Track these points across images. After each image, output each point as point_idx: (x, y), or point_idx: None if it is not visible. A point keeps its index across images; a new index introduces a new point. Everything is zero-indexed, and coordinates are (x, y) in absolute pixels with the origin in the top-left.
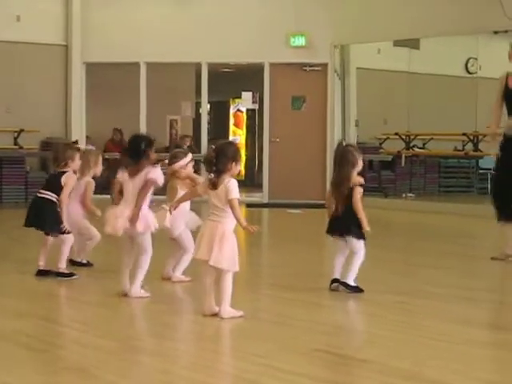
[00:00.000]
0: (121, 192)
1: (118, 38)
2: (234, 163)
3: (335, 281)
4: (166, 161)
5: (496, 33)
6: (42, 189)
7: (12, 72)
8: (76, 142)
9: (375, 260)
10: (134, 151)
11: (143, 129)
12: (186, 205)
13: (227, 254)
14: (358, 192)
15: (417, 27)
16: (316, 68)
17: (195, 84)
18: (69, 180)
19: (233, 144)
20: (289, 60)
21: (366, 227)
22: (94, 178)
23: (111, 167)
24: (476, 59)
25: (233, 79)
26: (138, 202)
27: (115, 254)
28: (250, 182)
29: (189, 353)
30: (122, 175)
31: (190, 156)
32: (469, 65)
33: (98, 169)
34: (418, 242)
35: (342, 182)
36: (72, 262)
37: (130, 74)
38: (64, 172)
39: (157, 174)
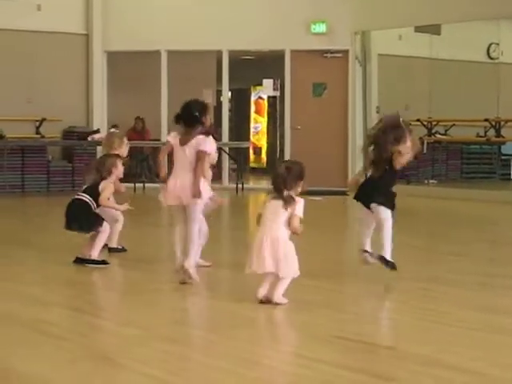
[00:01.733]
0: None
1: (139, 27)
2: (301, 182)
3: (365, 251)
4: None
5: None
6: (82, 192)
7: (33, 62)
8: (98, 131)
9: (398, 246)
10: (186, 117)
11: (164, 117)
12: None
13: (292, 264)
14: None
15: (438, 13)
16: (337, 55)
17: (216, 72)
18: (107, 187)
19: (301, 164)
20: (310, 47)
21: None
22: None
23: (133, 156)
24: (498, 44)
25: (254, 66)
26: (196, 178)
27: (152, 246)
28: (271, 169)
29: (211, 340)
30: (174, 139)
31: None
32: (490, 50)
33: (123, 150)
34: (441, 229)
35: (381, 153)
36: (109, 249)
37: (151, 63)
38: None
39: (209, 145)
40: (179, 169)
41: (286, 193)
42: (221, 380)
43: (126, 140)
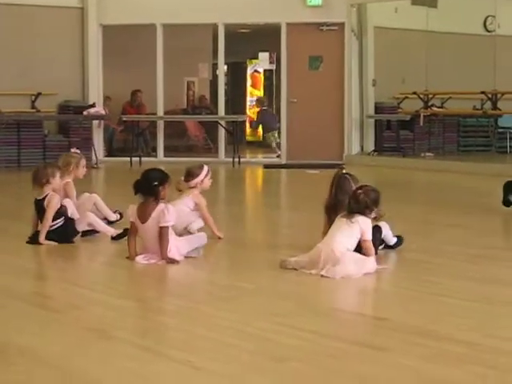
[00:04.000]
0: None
1: (134, 0)
2: (372, 209)
3: None
4: (182, 178)
5: None
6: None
7: (28, 35)
8: (93, 105)
9: (394, 220)
10: (145, 187)
11: (160, 91)
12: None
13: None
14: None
15: None
16: (333, 27)
17: (212, 45)
18: (53, 201)
19: (378, 192)
20: (306, 20)
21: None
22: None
23: (128, 129)
24: (494, 17)
25: (250, 40)
26: (163, 253)
27: None
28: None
29: (208, 313)
30: (133, 216)
31: (205, 169)
32: (487, 23)
33: (80, 172)
34: (437, 202)
35: (337, 208)
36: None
37: (146, 36)
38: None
39: (169, 219)
40: (150, 245)
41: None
42: (218, 352)
43: (83, 162)
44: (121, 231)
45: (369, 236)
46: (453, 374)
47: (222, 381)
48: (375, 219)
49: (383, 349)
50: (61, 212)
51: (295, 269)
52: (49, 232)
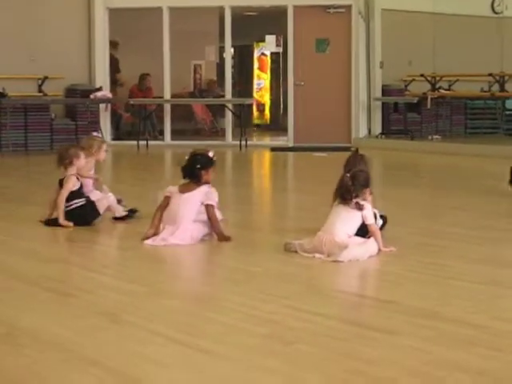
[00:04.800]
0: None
1: None
2: (367, 190)
3: None
4: None
5: None
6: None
7: (34, 19)
8: (100, 88)
9: (402, 202)
10: (188, 171)
11: (167, 74)
12: None
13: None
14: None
15: None
16: (340, 10)
17: (219, 28)
18: (69, 182)
19: (365, 172)
20: (312, 2)
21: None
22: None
23: (136, 112)
24: None
25: (256, 23)
26: (217, 231)
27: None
28: (275, 125)
29: (215, 296)
30: (170, 191)
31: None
32: (495, 4)
33: (101, 155)
34: (445, 184)
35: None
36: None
37: (153, 20)
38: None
39: (213, 198)
40: (177, 219)
41: (354, 200)
42: (226, 335)
43: (104, 146)
44: (125, 213)
45: (371, 219)
46: (460, 356)
47: (230, 364)
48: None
49: (389, 331)
50: (80, 193)
51: (297, 252)
52: (67, 213)
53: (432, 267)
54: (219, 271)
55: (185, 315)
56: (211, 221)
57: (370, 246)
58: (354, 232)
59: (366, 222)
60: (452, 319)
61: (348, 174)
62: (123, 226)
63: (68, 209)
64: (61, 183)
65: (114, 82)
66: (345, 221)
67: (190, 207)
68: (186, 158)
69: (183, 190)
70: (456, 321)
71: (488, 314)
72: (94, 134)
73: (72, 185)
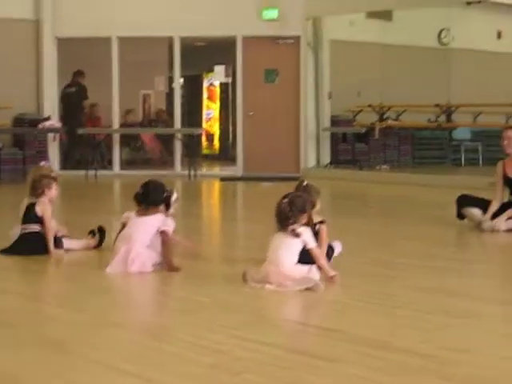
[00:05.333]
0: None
1: (90, 13)
2: (304, 215)
3: None
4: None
5: (469, 3)
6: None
7: None
8: (49, 118)
9: (350, 232)
10: (149, 197)
11: (116, 104)
12: None
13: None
14: (324, 230)
15: None
16: (288, 41)
17: (168, 58)
18: (47, 209)
19: (302, 197)
20: (261, 33)
21: (330, 273)
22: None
23: (84, 142)
24: (449, 30)
25: (205, 53)
26: (167, 259)
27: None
28: (224, 155)
29: (163, 326)
30: (127, 217)
31: (175, 195)
32: (442, 36)
33: (52, 194)
34: (393, 214)
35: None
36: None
37: (102, 49)
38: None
39: (169, 224)
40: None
41: (290, 227)
42: (173, 365)
43: (55, 184)
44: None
45: (312, 243)
46: None
47: None
48: (308, 224)
49: (338, 360)
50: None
51: (252, 282)
52: (21, 236)
53: (379, 296)
54: (168, 301)
55: (132, 345)
56: (164, 248)
57: (316, 272)
58: (297, 258)
59: (307, 247)
60: (400, 348)
61: (285, 200)
62: (71, 256)
63: (23, 232)
64: (30, 207)
65: (82, 110)
66: (287, 249)
67: (145, 230)
68: (142, 185)
69: (140, 214)
70: (404, 350)
71: (435, 343)
72: (42, 163)
73: (50, 211)
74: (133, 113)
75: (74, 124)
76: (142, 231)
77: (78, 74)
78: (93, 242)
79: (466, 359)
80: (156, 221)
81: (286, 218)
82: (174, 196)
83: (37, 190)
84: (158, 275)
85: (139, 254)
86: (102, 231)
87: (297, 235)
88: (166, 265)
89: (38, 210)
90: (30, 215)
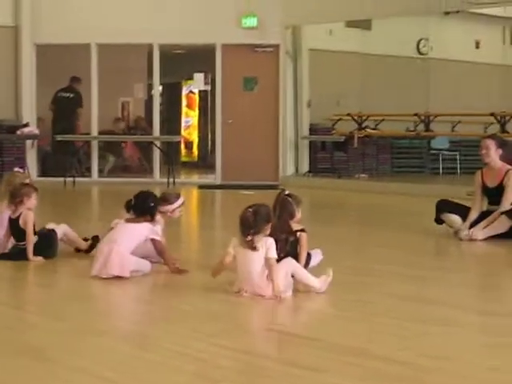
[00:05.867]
0: None
1: (69, 19)
2: (269, 224)
3: None
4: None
5: (447, 13)
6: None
7: None
8: (27, 124)
9: (328, 240)
10: (138, 207)
11: (95, 111)
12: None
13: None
14: (305, 238)
15: (368, 8)
16: (268, 49)
17: (147, 66)
18: (30, 219)
19: (267, 207)
20: (240, 41)
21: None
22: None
23: (63, 149)
24: (427, 40)
25: (185, 61)
26: (168, 265)
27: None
28: (202, 163)
29: (144, 334)
30: (117, 221)
31: (181, 200)
32: (420, 45)
33: (31, 203)
34: (371, 222)
35: (282, 232)
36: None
37: (81, 56)
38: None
39: (158, 233)
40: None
41: (250, 237)
42: (154, 374)
43: (35, 194)
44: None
45: (273, 253)
46: None
47: None
48: (289, 233)
49: (317, 369)
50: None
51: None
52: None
53: (357, 304)
54: (149, 309)
55: (114, 353)
56: (162, 256)
57: (290, 280)
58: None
59: (267, 256)
60: (378, 356)
61: (250, 209)
62: (49, 264)
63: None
64: (12, 222)
65: (77, 117)
66: (255, 259)
67: (131, 235)
68: (135, 195)
69: (129, 221)
70: (382, 358)
71: (414, 350)
72: (16, 169)
73: (33, 219)
74: (122, 122)
75: (68, 129)
76: (127, 235)
77: (75, 80)
78: (84, 245)
79: (444, 367)
80: (144, 229)
81: (249, 227)
82: (181, 200)
83: (15, 198)
84: (137, 283)
85: (121, 256)
86: (95, 239)
87: (253, 248)
88: (171, 269)
89: (21, 223)
90: (19, 233)
